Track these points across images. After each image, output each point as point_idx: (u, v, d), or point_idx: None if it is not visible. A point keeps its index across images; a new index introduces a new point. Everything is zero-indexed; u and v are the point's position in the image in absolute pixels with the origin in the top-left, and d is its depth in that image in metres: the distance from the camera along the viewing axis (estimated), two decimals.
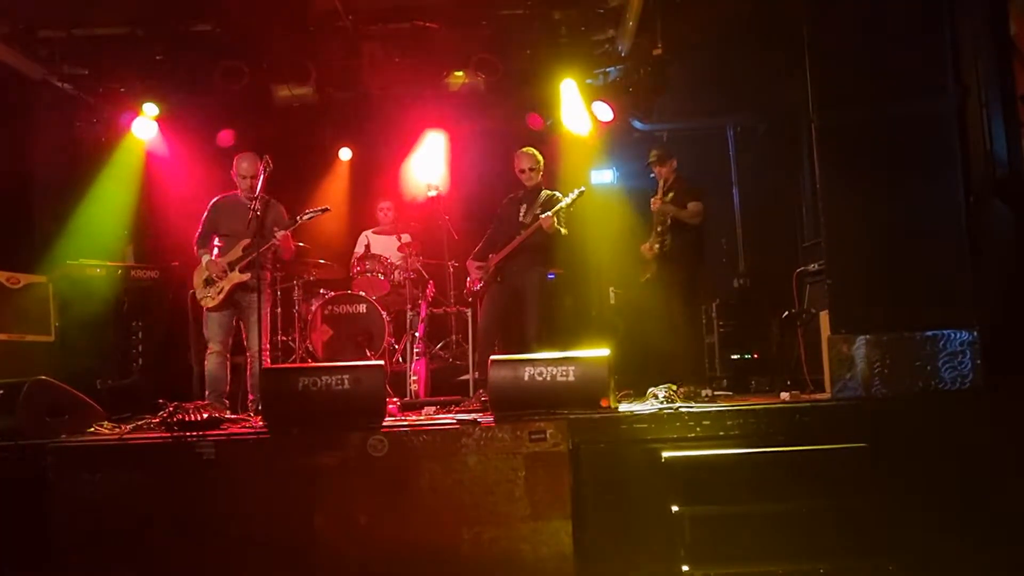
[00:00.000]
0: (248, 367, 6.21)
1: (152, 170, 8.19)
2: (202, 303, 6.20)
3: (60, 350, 6.94)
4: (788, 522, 3.98)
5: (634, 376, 5.99)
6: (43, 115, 7.58)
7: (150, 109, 7.75)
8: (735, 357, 6.78)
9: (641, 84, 7.51)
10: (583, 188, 6.35)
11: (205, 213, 6.36)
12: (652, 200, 6.53)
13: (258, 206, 5.93)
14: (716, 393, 5.60)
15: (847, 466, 4.07)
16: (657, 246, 6.51)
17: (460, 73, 7.83)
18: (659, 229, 6.51)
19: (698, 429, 4.34)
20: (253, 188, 6.14)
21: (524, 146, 6.75)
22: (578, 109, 7.80)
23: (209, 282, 6.21)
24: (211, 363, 6.19)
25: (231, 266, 6.19)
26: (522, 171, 6.48)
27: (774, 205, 8.09)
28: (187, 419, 4.70)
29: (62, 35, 7.18)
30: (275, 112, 8.13)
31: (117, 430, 4.93)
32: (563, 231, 6.22)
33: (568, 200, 6.27)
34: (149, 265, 7.74)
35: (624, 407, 4.85)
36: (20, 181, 7.47)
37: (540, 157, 6.53)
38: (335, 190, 9.05)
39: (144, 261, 7.90)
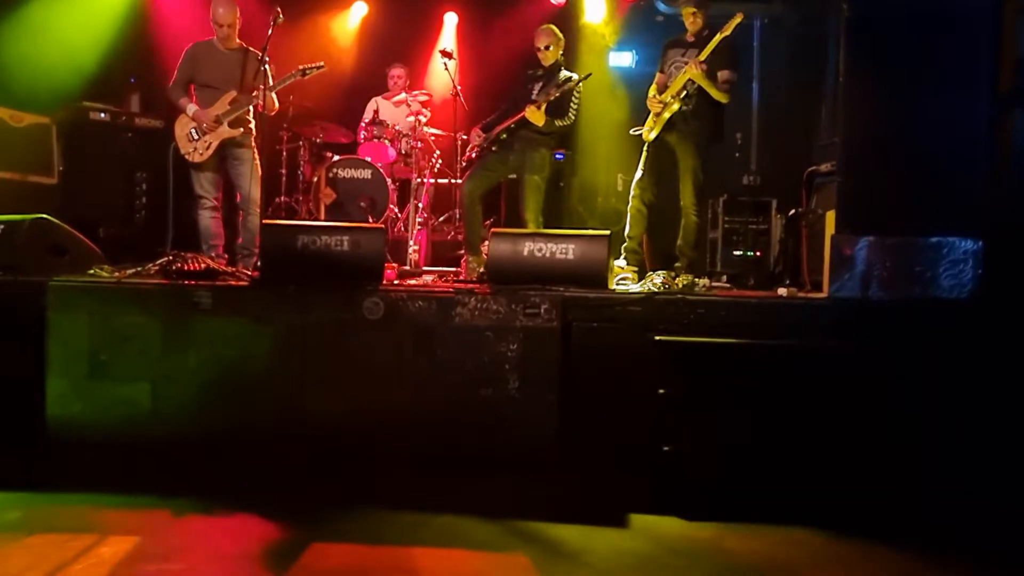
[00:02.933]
0: (242, 222, 6.19)
1: (158, 16, 7.98)
2: (187, 157, 6.06)
3: (62, 193, 6.97)
4: (764, 414, 4.02)
5: (637, 260, 6.15)
6: None
7: None
8: (737, 254, 6.76)
9: None
10: (588, 74, 6.21)
11: (181, 59, 6.12)
12: (691, 62, 5.82)
13: (233, 56, 5.86)
14: (715, 285, 5.62)
15: (831, 365, 4.07)
16: (676, 106, 5.91)
17: None
18: (683, 92, 5.93)
19: (692, 317, 4.32)
20: (231, 38, 6.02)
21: (542, 22, 6.60)
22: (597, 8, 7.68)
23: (194, 136, 6.05)
24: (204, 219, 6.15)
25: (219, 120, 6.02)
26: (539, 49, 6.34)
27: (793, 103, 7.89)
28: (185, 268, 4.74)
29: None
30: None
31: (116, 274, 4.96)
32: (559, 123, 6.10)
33: (564, 86, 6.08)
34: (154, 114, 7.60)
35: (621, 288, 4.87)
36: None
37: (560, 34, 6.38)
38: (346, 49, 8.89)
39: (149, 110, 7.75)
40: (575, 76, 6.24)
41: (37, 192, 6.72)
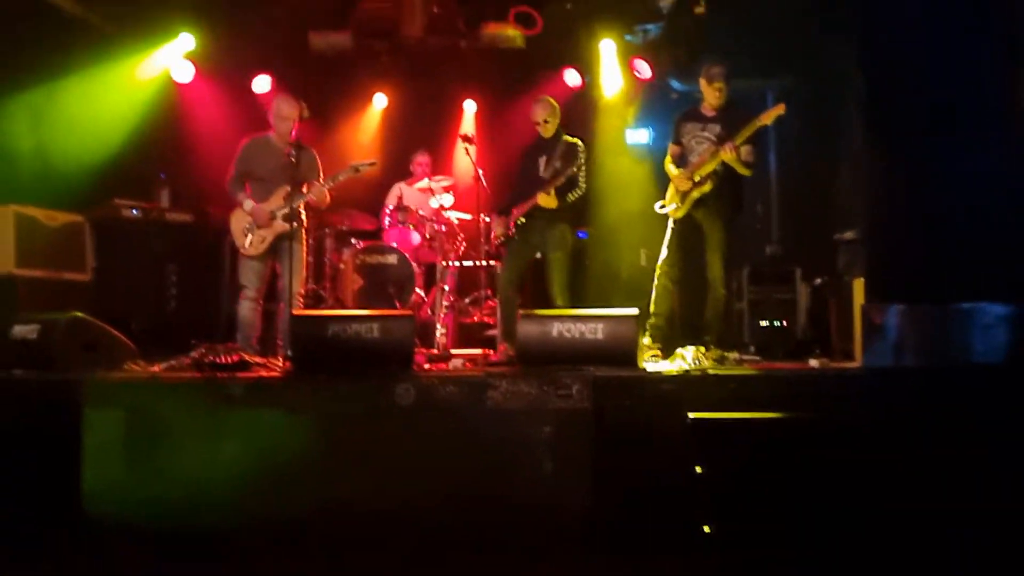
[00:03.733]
0: (280, 313, 6.24)
1: (187, 114, 8.23)
2: (242, 250, 6.19)
3: (95, 289, 7.05)
4: (809, 486, 3.95)
5: (663, 337, 6.02)
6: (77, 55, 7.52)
7: (186, 42, 7.77)
8: (764, 324, 6.73)
9: (681, 43, 7.50)
10: (579, 143, 6.21)
11: (237, 154, 6.27)
12: (726, 147, 5.74)
13: (292, 151, 5.90)
14: (744, 358, 5.58)
15: (873, 435, 4.02)
16: (708, 187, 5.89)
17: (498, 25, 7.91)
18: (710, 169, 5.89)
19: (725, 392, 4.30)
20: (291, 132, 6.09)
21: (559, 101, 6.64)
22: (614, 68, 7.87)
23: (250, 229, 6.17)
24: (244, 308, 6.20)
25: (274, 214, 6.15)
26: (538, 123, 6.36)
27: (810, 170, 7.89)
28: (218, 360, 4.80)
29: None
30: (311, 59, 8.19)
31: (150, 368, 5.03)
32: (571, 196, 6.12)
33: (569, 160, 6.12)
34: (183, 209, 7.80)
35: (652, 367, 4.84)
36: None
37: (556, 105, 6.40)
38: (369, 139, 9.08)
39: (179, 205, 7.93)
40: (576, 141, 6.28)
41: (71, 289, 6.86)
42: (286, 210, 6.05)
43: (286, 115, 6.13)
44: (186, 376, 4.73)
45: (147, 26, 7.73)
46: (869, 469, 3.92)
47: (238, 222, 6.24)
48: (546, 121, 6.30)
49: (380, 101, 9.11)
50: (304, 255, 6.31)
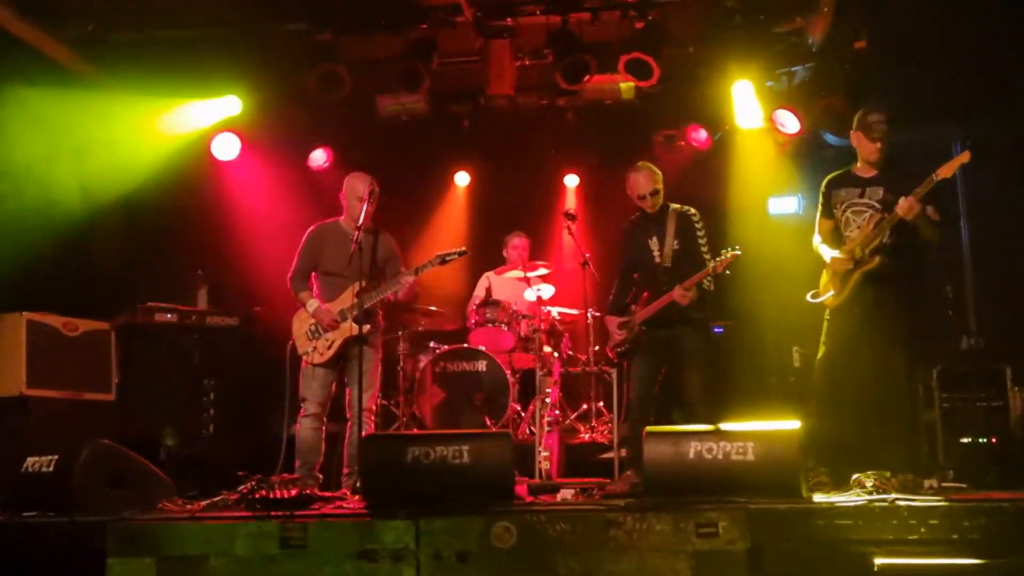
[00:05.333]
0: (347, 434, 6.30)
1: (231, 198, 8.52)
2: (305, 358, 6.30)
3: (122, 410, 7.25)
4: None
5: (829, 458, 5.70)
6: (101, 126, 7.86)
7: (231, 105, 8.04)
8: (965, 441, 6.52)
9: (837, 86, 7.45)
10: (736, 250, 6.13)
11: (303, 244, 6.45)
12: (905, 201, 5.54)
13: (361, 237, 6.00)
14: (944, 485, 5.38)
15: None
16: (876, 263, 5.76)
17: (605, 77, 7.99)
18: (876, 243, 5.76)
19: (923, 530, 4.18)
20: (367, 215, 6.22)
21: (682, 171, 6.95)
22: (755, 117, 7.82)
23: (315, 333, 6.29)
24: (304, 428, 6.28)
25: (343, 315, 6.27)
26: (642, 196, 6.32)
27: (1016, 241, 7.80)
28: (272, 496, 4.81)
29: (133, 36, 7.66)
30: (379, 128, 8.51)
31: (188, 507, 5.09)
32: (707, 283, 6.19)
33: (707, 271, 6.12)
34: (226, 311, 7.99)
35: (820, 497, 4.73)
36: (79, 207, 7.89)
37: (659, 173, 6.43)
38: (450, 221, 9.39)
39: (220, 306, 8.14)
40: (691, 211, 6.30)
41: (93, 410, 7.02)
42: (357, 310, 6.12)
43: (361, 194, 6.28)
44: (233, 516, 4.74)
45: (180, 86, 8.04)
46: None
47: (300, 325, 6.36)
48: (654, 193, 6.32)
49: (462, 179, 9.45)
50: (377, 363, 6.40)
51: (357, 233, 6.04)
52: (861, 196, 5.92)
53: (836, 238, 6.04)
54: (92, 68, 7.72)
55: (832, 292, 5.96)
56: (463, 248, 6.49)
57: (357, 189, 6.33)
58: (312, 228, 6.49)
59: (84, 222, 7.82)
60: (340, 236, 6.37)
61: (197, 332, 7.86)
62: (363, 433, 5.91)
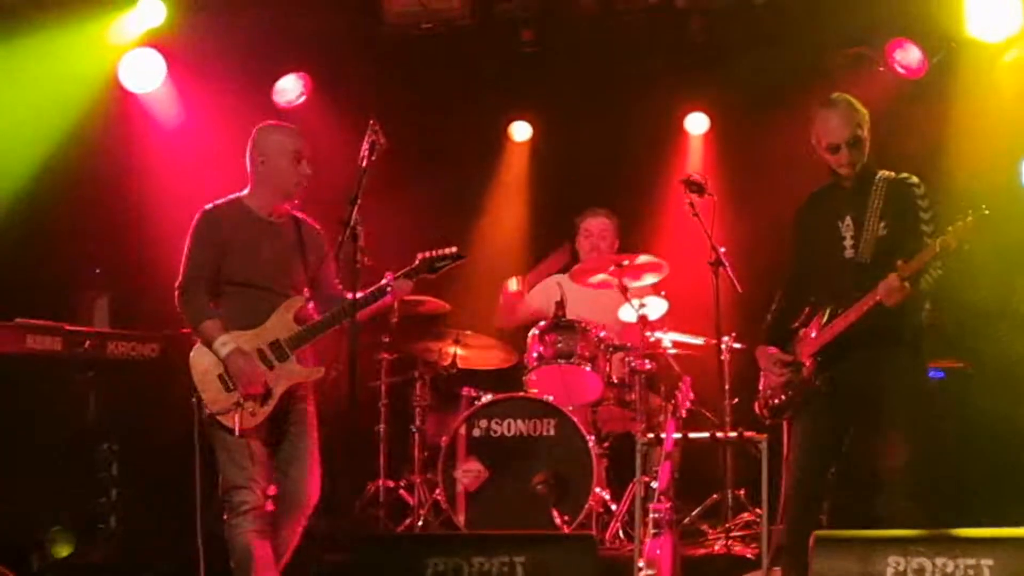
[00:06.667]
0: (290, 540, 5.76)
1: (150, 154, 7.96)
2: (224, 419, 5.52)
3: None
4: None
5: None
6: None
7: (150, 11, 7.55)
8: None
9: None
10: (984, 210, 5.29)
11: (198, 234, 5.73)
12: None
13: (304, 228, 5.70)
14: None
15: None
16: None
17: None
18: None
19: None
20: (290, 181, 5.70)
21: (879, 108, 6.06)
22: (1002, 23, 7.32)
23: (226, 381, 5.60)
24: (245, 534, 5.49)
25: (279, 351, 5.54)
26: (834, 147, 5.55)
27: None
28: None
29: None
30: (386, 44, 8.07)
31: None
32: (926, 283, 5.37)
33: (935, 251, 5.24)
34: (139, 333, 7.25)
35: None
36: None
37: (864, 112, 5.68)
38: (501, 197, 8.93)
39: (129, 325, 7.48)
40: (913, 179, 5.59)
41: None
42: (309, 339, 5.69)
43: (292, 150, 5.73)
44: None
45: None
46: None
47: (204, 366, 5.64)
48: (852, 144, 5.55)
49: (522, 131, 8.89)
50: (316, 426, 5.88)
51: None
52: None
53: None
54: None
55: None
56: (454, 250, 5.89)
57: (284, 144, 5.72)
58: (207, 211, 5.77)
59: None
60: (252, 224, 5.73)
61: (92, 367, 7.05)
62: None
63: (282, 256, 5.73)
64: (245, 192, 5.83)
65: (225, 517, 5.54)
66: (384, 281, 5.83)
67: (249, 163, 5.81)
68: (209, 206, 5.81)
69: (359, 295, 5.68)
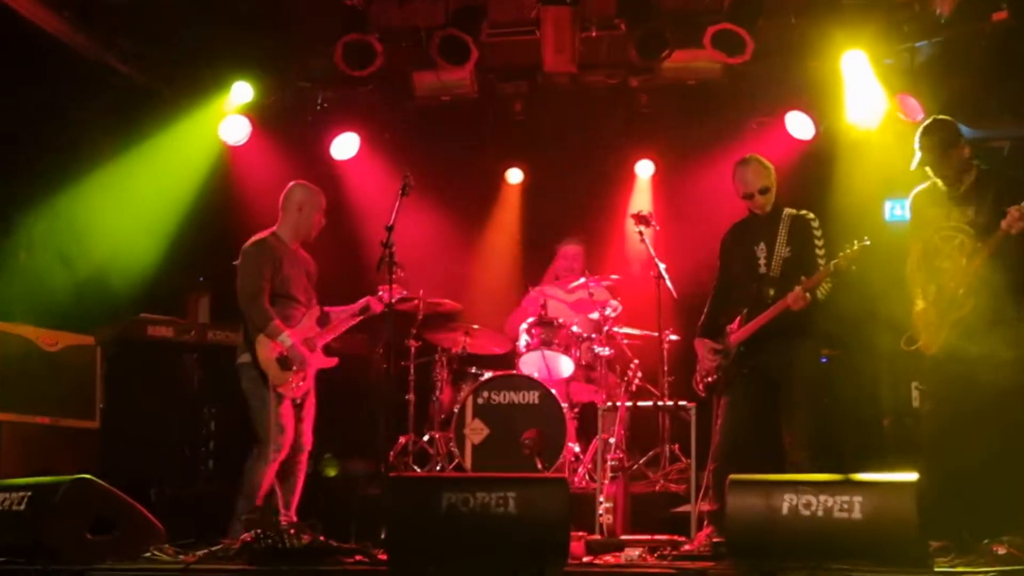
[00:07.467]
0: (299, 475, 6.51)
1: (241, 191, 8.57)
2: (285, 391, 6.40)
3: (106, 440, 7.29)
4: None
5: (949, 520, 5.43)
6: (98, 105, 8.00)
7: (241, 92, 8.19)
8: None
9: (971, 67, 7.38)
10: (865, 241, 5.97)
11: (262, 258, 6.49)
12: (1012, 213, 5.38)
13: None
14: None
15: None
16: (971, 306, 5.62)
17: (688, 53, 7.98)
18: (967, 279, 5.65)
19: None
20: (315, 227, 6.60)
21: (777, 162, 6.58)
22: (868, 108, 7.70)
23: (286, 363, 6.40)
24: (264, 470, 6.37)
25: (311, 344, 6.52)
26: (750, 195, 6.29)
27: None
28: (281, 545, 4.80)
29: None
30: (415, 112, 8.62)
31: (182, 557, 5.13)
32: (821, 292, 6.08)
33: (829, 270, 6.01)
34: (232, 325, 7.67)
35: (946, 570, 4.64)
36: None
37: (771, 168, 6.37)
38: (500, 226, 9.52)
39: (227, 318, 7.98)
40: (808, 215, 6.23)
41: (74, 440, 7.11)
42: (325, 336, 6.63)
43: (318, 207, 6.64)
44: (234, 569, 4.81)
45: (195, 82, 8.26)
46: None
47: (270, 351, 6.43)
48: (763, 191, 6.29)
49: (515, 176, 9.42)
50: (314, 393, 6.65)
51: (388, 236, 6.24)
52: (947, 218, 5.87)
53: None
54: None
55: (924, 337, 5.89)
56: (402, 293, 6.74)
57: (319, 203, 6.63)
58: (262, 239, 6.55)
59: None
60: (286, 252, 6.59)
61: (197, 350, 7.91)
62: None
63: (301, 276, 6.54)
64: (276, 227, 6.55)
65: (258, 454, 6.27)
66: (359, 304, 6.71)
67: (286, 207, 6.56)
68: (261, 236, 6.52)
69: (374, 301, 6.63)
